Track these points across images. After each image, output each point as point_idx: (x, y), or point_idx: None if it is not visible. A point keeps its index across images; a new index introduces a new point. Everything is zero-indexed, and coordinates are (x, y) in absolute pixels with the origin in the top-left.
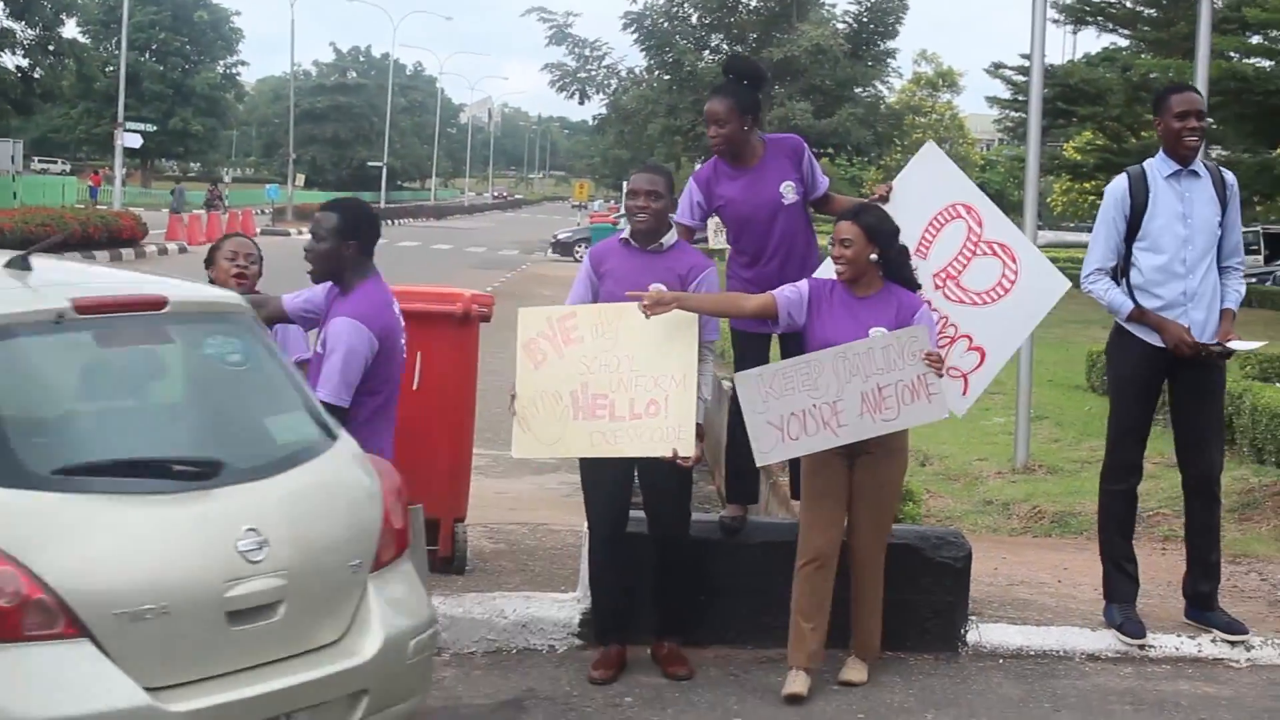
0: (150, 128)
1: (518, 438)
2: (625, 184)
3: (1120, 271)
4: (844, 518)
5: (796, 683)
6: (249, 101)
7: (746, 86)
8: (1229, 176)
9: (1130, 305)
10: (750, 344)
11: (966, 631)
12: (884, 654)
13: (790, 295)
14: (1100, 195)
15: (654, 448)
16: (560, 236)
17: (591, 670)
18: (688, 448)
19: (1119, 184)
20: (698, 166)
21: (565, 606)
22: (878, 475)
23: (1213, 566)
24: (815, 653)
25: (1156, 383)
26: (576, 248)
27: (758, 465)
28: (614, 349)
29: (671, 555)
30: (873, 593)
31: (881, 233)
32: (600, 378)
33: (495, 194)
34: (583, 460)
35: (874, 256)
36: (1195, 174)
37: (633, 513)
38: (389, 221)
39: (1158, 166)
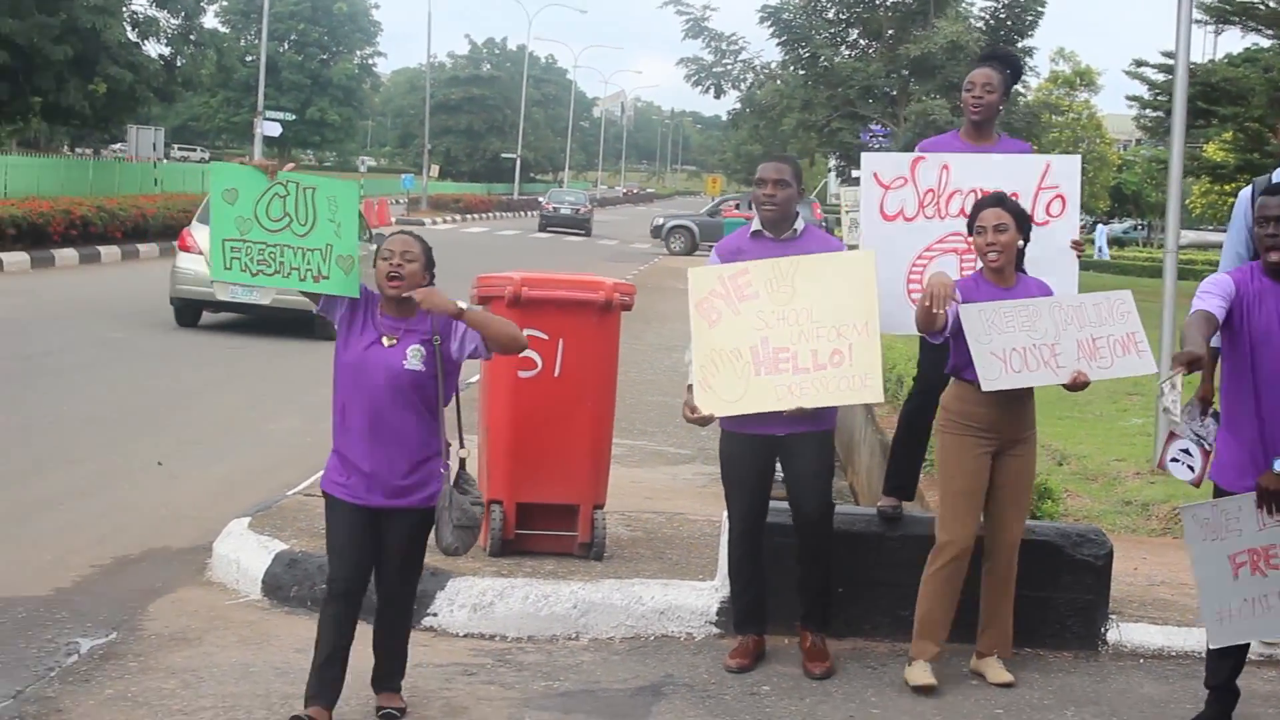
0: (289, 116)
1: (700, 397)
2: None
3: None
4: (980, 513)
5: (928, 674)
6: (384, 92)
7: (1010, 74)
8: None
9: None
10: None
11: (1107, 630)
12: (1022, 650)
13: (951, 309)
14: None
15: (841, 397)
16: (655, 222)
17: (728, 659)
18: (876, 394)
19: (1244, 192)
20: (830, 163)
21: (703, 595)
22: (1024, 464)
23: None
24: (943, 646)
25: None
26: (672, 237)
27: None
28: (791, 301)
29: (815, 544)
30: (1011, 587)
31: (1026, 219)
32: (780, 331)
33: (625, 190)
34: (724, 450)
35: (1020, 244)
36: None
37: (773, 504)
38: (521, 213)
39: None
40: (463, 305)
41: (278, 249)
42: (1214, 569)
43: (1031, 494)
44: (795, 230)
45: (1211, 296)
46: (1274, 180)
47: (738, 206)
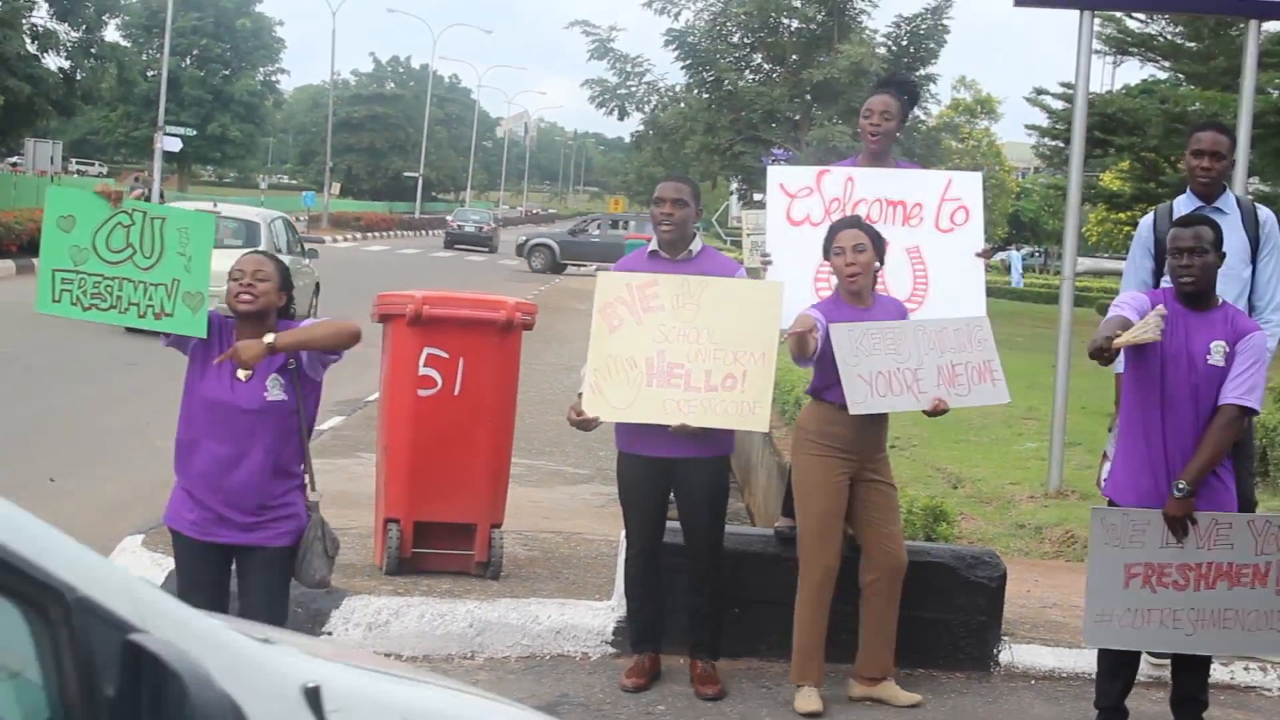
0: (190, 132)
1: (589, 400)
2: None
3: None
4: (842, 534)
5: (814, 700)
6: (287, 109)
7: (907, 100)
8: (1264, 213)
9: None
10: None
11: (999, 651)
12: (915, 671)
13: (820, 333)
14: (1135, 226)
15: (727, 421)
16: (519, 240)
17: (624, 678)
18: (762, 424)
19: (1144, 221)
20: (732, 186)
21: (600, 614)
22: (885, 489)
23: None
24: (821, 667)
25: None
26: (533, 255)
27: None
28: (695, 320)
29: (704, 572)
30: (895, 610)
31: (882, 241)
32: (678, 347)
33: (526, 210)
34: (620, 471)
35: (877, 265)
36: (1221, 210)
37: (670, 524)
38: (423, 232)
39: (1183, 202)
40: (269, 339)
41: (115, 282)
42: (1107, 573)
43: (900, 516)
44: (690, 251)
45: (1130, 309)
46: (1175, 210)
47: (599, 227)
